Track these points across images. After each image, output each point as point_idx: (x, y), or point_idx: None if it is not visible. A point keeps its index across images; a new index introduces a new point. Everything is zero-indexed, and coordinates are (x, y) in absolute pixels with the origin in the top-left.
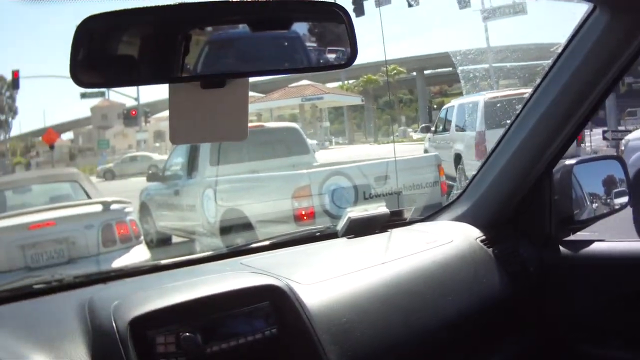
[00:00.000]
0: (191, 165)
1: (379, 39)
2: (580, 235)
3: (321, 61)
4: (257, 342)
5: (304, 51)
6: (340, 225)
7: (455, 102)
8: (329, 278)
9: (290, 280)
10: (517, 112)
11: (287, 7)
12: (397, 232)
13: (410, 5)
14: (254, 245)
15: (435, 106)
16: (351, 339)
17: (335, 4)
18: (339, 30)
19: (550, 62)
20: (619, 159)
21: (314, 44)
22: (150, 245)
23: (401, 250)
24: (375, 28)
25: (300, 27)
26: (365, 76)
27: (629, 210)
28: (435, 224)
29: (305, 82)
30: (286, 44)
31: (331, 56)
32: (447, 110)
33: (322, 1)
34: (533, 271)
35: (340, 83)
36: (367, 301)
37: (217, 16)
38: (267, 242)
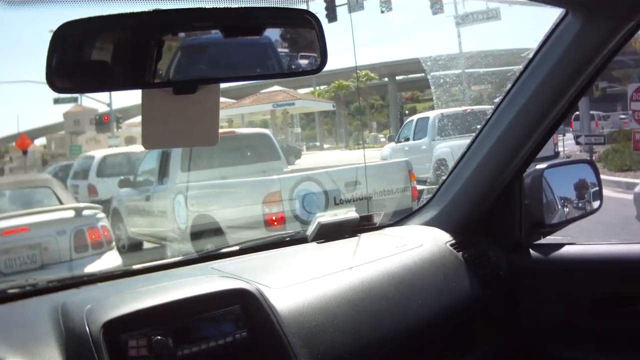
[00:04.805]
0: (162, 171)
1: (352, 44)
2: (552, 238)
3: (293, 67)
4: (227, 345)
5: (275, 57)
6: (310, 230)
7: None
8: (298, 282)
9: (260, 284)
10: (488, 117)
11: (259, 14)
12: (366, 237)
13: (382, 12)
14: (224, 250)
15: (407, 112)
16: (321, 342)
17: (306, 11)
18: (310, 36)
19: (521, 67)
20: (590, 162)
21: (286, 50)
22: (122, 250)
23: (371, 254)
24: (348, 34)
25: (272, 34)
26: (336, 82)
27: (605, 214)
28: (405, 228)
29: (276, 88)
30: (257, 50)
31: (302, 62)
32: None
33: (293, 8)
34: (503, 275)
35: (311, 89)
36: (337, 305)
37: (190, 22)
38: (237, 247)
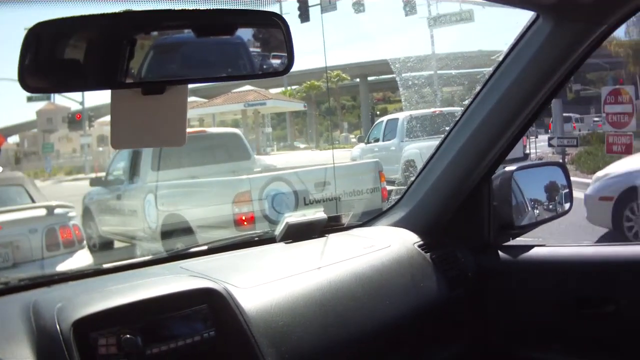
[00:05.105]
0: (133, 170)
1: (325, 45)
2: (522, 240)
3: (264, 66)
4: (195, 344)
5: (243, 59)
6: (279, 230)
7: None
8: (266, 282)
9: (227, 283)
10: (457, 118)
11: (228, 16)
12: (334, 237)
13: (356, 12)
14: (193, 249)
15: (378, 112)
16: (288, 342)
17: (274, 14)
18: (280, 37)
19: (491, 69)
20: (561, 165)
21: (257, 50)
22: (92, 249)
23: (338, 254)
24: (321, 34)
25: (242, 34)
26: (308, 82)
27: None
28: (373, 229)
29: (248, 87)
30: (225, 51)
31: (273, 62)
32: None
33: (261, 10)
34: (471, 276)
35: (283, 89)
36: (304, 305)
37: (160, 23)
38: (206, 247)
